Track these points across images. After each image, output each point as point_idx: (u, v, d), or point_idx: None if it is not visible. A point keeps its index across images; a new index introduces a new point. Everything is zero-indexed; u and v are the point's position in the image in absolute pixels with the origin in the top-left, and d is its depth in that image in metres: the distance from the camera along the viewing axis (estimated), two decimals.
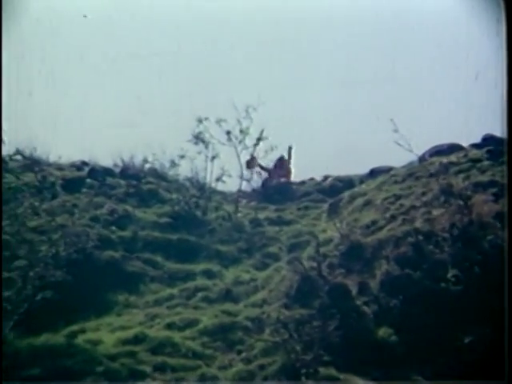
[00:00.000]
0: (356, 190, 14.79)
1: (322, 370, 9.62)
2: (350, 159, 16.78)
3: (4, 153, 10.78)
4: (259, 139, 15.75)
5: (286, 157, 17.03)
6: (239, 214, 15.28)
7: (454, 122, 15.28)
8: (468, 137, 14.09)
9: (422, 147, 14.14)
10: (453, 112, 15.46)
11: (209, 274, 12.94)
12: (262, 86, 16.73)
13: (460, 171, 12.82)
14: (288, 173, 17.11)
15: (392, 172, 14.49)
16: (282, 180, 17.00)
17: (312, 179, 17.53)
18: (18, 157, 11.55)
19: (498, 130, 11.31)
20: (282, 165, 16.97)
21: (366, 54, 16.96)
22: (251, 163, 16.42)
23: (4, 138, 10.39)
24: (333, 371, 9.65)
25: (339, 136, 17.46)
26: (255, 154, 16.20)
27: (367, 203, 13.48)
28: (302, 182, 17.31)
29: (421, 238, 11.32)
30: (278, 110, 16.71)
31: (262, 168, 16.84)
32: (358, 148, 17.06)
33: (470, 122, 14.33)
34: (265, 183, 17.02)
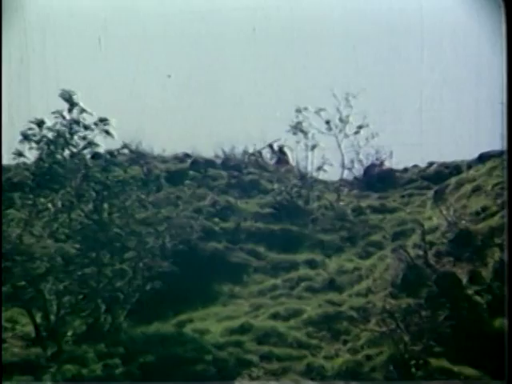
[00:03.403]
0: (463, 175, 14.27)
1: (432, 361, 9.32)
2: (455, 145, 16.21)
3: (112, 147, 11.18)
4: (360, 127, 15.51)
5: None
6: (341, 203, 15.15)
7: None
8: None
9: None
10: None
11: (312, 264, 12.91)
12: (362, 74, 16.42)
13: None
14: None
15: (504, 156, 13.79)
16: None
17: (415, 166, 17.10)
18: (125, 150, 11.94)
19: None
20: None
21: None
22: None
23: (112, 132, 10.76)
24: (445, 363, 9.35)
25: (441, 121, 16.90)
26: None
27: (476, 189, 12.95)
28: (405, 169, 16.92)
29: None
30: (378, 97, 16.36)
31: None
32: (462, 133, 16.46)
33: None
34: (366, 171, 16.78)
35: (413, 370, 9.31)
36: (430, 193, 14.67)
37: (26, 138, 10.54)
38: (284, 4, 15.57)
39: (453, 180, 14.20)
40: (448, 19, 14.58)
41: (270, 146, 16.86)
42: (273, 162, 17.24)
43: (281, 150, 17.39)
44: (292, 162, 17.26)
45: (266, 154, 16.68)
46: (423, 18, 15.06)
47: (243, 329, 10.67)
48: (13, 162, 11.31)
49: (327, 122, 15.43)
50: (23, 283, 10.19)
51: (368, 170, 16.76)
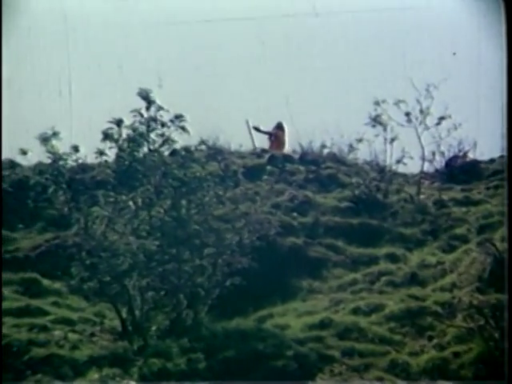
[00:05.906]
0: None
1: None
2: None
3: (189, 143, 11.30)
4: (442, 118, 15.10)
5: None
6: (422, 196, 14.80)
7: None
8: None
9: None
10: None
11: (392, 258, 12.67)
12: (442, 63, 16.02)
13: None
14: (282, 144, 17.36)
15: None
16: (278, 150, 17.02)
17: (502, 156, 16.46)
18: (203, 147, 12.04)
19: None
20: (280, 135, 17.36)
21: None
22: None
23: (189, 129, 10.86)
24: None
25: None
26: None
27: None
28: (491, 160, 16.32)
29: None
30: (457, 87, 15.90)
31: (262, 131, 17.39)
32: None
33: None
34: (449, 163, 16.32)
35: (505, 368, 8.93)
36: None
37: (106, 136, 10.78)
38: None
39: None
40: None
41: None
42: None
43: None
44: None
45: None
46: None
47: (323, 324, 10.55)
48: (96, 161, 11.64)
49: (407, 114, 15.11)
50: (108, 279, 10.44)
51: (450, 161, 16.29)
